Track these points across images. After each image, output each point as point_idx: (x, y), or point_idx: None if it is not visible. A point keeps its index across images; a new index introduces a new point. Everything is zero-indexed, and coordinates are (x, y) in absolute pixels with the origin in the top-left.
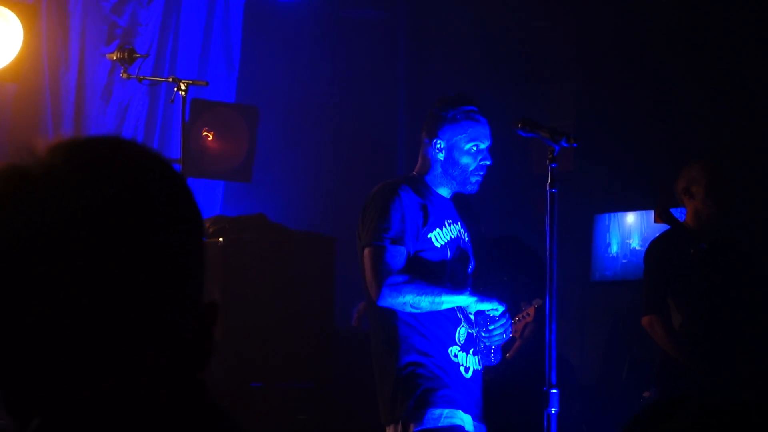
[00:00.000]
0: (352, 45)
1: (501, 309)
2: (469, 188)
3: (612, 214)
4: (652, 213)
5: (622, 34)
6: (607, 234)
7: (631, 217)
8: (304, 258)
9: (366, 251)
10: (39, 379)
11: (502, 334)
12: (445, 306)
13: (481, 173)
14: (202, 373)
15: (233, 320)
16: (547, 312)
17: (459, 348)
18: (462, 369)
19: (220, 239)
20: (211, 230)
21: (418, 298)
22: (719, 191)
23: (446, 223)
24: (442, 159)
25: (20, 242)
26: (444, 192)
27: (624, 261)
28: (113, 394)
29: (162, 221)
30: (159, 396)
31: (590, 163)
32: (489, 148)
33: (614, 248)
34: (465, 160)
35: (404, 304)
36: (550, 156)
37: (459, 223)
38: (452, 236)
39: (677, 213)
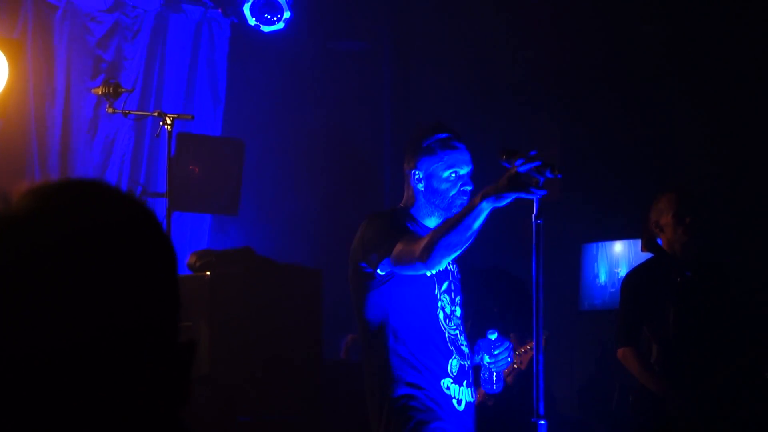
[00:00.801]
0: (338, 77)
1: (494, 335)
2: (454, 213)
3: (599, 243)
4: (639, 242)
5: (608, 64)
6: (595, 263)
7: (618, 246)
8: (291, 291)
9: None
10: (15, 407)
11: (506, 358)
12: (475, 221)
13: (464, 198)
14: (182, 409)
15: (220, 353)
16: (534, 342)
17: (452, 380)
18: (455, 401)
19: (207, 273)
20: (197, 264)
21: (453, 238)
22: (686, 219)
23: None
24: (422, 189)
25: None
26: (431, 223)
27: (612, 290)
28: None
29: (131, 260)
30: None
31: (577, 193)
32: (470, 174)
33: (602, 277)
34: (444, 187)
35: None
36: (536, 186)
37: None
38: (440, 268)
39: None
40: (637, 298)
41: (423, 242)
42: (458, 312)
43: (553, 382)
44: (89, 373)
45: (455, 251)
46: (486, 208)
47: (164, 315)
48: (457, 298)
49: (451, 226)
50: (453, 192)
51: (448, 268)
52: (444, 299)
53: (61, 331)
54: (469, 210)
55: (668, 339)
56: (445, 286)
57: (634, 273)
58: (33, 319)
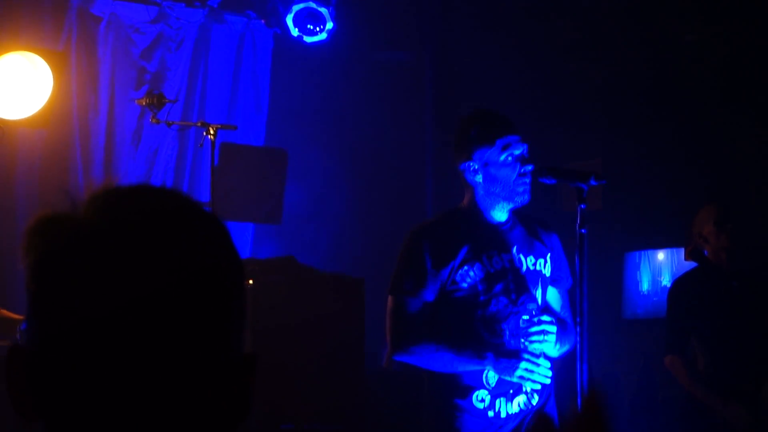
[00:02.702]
0: (380, 87)
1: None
2: (519, 200)
3: (642, 252)
4: (682, 251)
5: (650, 73)
6: (638, 272)
7: (661, 255)
8: (334, 299)
9: (388, 300)
10: (73, 406)
11: (540, 341)
12: (461, 370)
13: (527, 180)
14: (242, 422)
15: (263, 362)
16: (578, 351)
17: (487, 392)
18: (490, 413)
19: (250, 281)
20: None
21: (427, 363)
22: (727, 226)
23: (486, 256)
24: (481, 181)
25: (68, 291)
26: (498, 215)
27: (655, 299)
28: None
29: (202, 270)
30: None
31: (620, 201)
32: (526, 152)
33: (645, 286)
34: (504, 173)
35: (416, 364)
36: (579, 196)
37: (515, 249)
38: (492, 270)
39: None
40: (684, 307)
41: (410, 338)
42: (512, 317)
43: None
44: (151, 381)
45: (427, 369)
46: (486, 368)
47: (230, 326)
48: (518, 299)
49: (444, 356)
50: (513, 177)
51: (509, 266)
52: (488, 307)
53: (125, 339)
54: (472, 361)
55: (714, 349)
56: (496, 289)
57: (681, 281)
58: (128, 317)
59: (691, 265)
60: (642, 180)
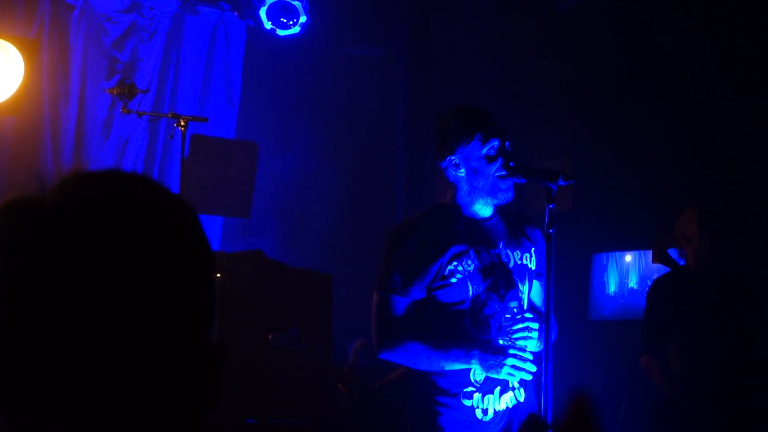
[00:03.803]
0: (353, 82)
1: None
2: (502, 196)
3: (610, 254)
4: (650, 253)
5: (622, 74)
6: (605, 273)
7: (629, 257)
8: (301, 294)
9: (374, 297)
10: (37, 391)
11: (524, 338)
12: (448, 368)
13: (508, 182)
14: (210, 411)
15: (229, 356)
16: (543, 352)
17: (475, 389)
18: (478, 412)
19: (218, 275)
20: None
21: (412, 362)
22: (712, 228)
23: (474, 251)
24: (463, 175)
25: (36, 272)
26: (481, 211)
27: (621, 300)
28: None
29: (171, 254)
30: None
31: (588, 203)
32: (509, 146)
33: (612, 288)
34: (485, 166)
35: (401, 363)
36: (548, 196)
37: (501, 244)
38: (480, 265)
39: (675, 254)
40: (659, 308)
41: (396, 336)
42: (500, 311)
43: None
44: (115, 366)
45: (412, 367)
46: (473, 366)
47: (196, 315)
48: (506, 294)
49: (431, 354)
50: (494, 170)
51: (497, 260)
52: (477, 302)
53: (88, 322)
54: (458, 359)
55: (689, 350)
56: (484, 285)
57: (658, 282)
58: (60, 312)
59: (658, 267)
60: (611, 181)
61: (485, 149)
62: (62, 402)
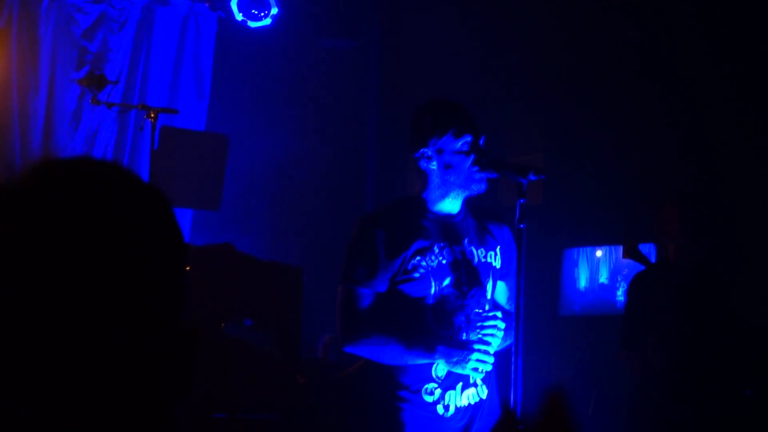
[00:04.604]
0: (324, 74)
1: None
2: (475, 188)
3: (581, 249)
4: (620, 248)
5: (592, 69)
6: (576, 269)
7: (599, 252)
8: (271, 288)
9: (339, 289)
10: (21, 380)
11: (492, 335)
12: (411, 362)
13: (483, 175)
14: (181, 401)
15: (197, 350)
16: (513, 348)
17: (436, 385)
18: (440, 407)
19: (186, 268)
20: None
21: (376, 356)
22: (693, 223)
23: (438, 247)
24: (435, 168)
25: (5, 260)
26: (448, 206)
27: (592, 296)
28: (81, 415)
29: (142, 240)
30: (126, 424)
31: (559, 198)
32: (483, 142)
33: (582, 283)
34: (458, 160)
35: (365, 356)
36: (519, 191)
37: (466, 241)
38: (444, 261)
39: (645, 249)
40: (640, 303)
41: (360, 329)
42: (464, 309)
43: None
44: (83, 357)
45: (376, 360)
46: (437, 361)
47: (166, 301)
48: (469, 292)
49: (394, 348)
50: (467, 164)
51: (461, 257)
52: (440, 298)
53: (55, 311)
54: (422, 354)
55: (666, 345)
56: (447, 281)
57: (638, 277)
58: (26, 297)
59: (628, 262)
60: (582, 176)
61: (459, 143)
62: (29, 390)
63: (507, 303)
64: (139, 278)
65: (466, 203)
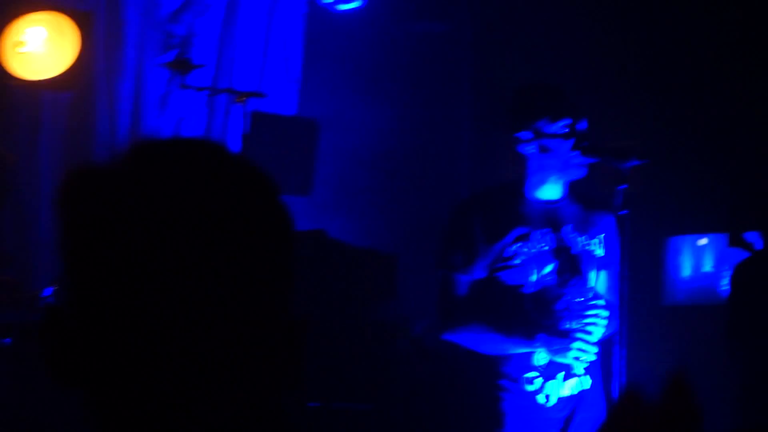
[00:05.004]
0: (417, 59)
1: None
2: (575, 173)
3: (685, 237)
4: (726, 236)
5: (696, 48)
6: (679, 257)
7: (704, 240)
8: (365, 276)
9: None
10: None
11: (594, 324)
12: (511, 351)
13: (584, 159)
14: (294, 391)
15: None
16: (617, 338)
17: (538, 374)
18: (541, 397)
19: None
20: None
21: (475, 344)
22: None
23: (539, 233)
24: (534, 152)
25: (109, 245)
26: (549, 192)
27: (696, 285)
28: (184, 410)
29: (251, 226)
30: (237, 419)
31: (662, 184)
32: (586, 126)
33: (686, 272)
34: (557, 143)
35: (464, 344)
36: (621, 177)
37: (568, 228)
38: (545, 248)
39: (751, 237)
40: (743, 293)
41: (458, 317)
42: (563, 300)
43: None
44: (197, 341)
45: (474, 349)
46: (537, 350)
47: (276, 286)
48: (568, 283)
49: (493, 337)
50: (567, 148)
51: (560, 245)
52: (540, 287)
53: (168, 294)
54: (522, 342)
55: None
56: (548, 269)
57: (741, 266)
58: (137, 287)
59: (733, 251)
60: (686, 161)
61: (558, 126)
62: (140, 382)
63: (608, 293)
64: (250, 266)
65: (569, 189)
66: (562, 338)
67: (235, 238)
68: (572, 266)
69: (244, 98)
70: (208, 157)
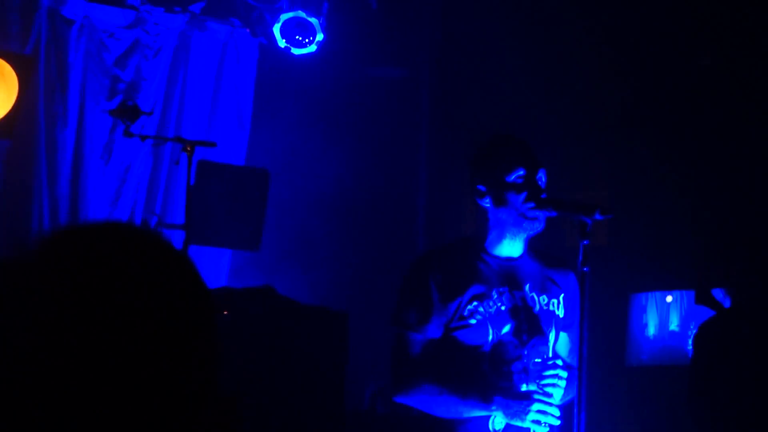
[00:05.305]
0: (373, 105)
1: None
2: (527, 227)
3: (649, 294)
4: (692, 293)
5: (662, 102)
6: (644, 315)
7: (669, 297)
8: (314, 334)
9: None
10: None
11: (553, 385)
12: (466, 415)
13: (538, 214)
14: None
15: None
16: (576, 400)
17: None
18: None
19: (225, 312)
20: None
21: (429, 407)
22: (763, 266)
23: (496, 292)
24: (489, 206)
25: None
26: (508, 249)
27: (662, 344)
28: None
29: (168, 309)
30: None
31: (626, 239)
32: (544, 179)
33: (652, 330)
34: (511, 194)
35: (417, 407)
36: (582, 231)
37: (527, 287)
38: (502, 307)
39: (719, 295)
40: (707, 355)
41: (412, 379)
42: (522, 361)
43: None
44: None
45: (428, 412)
46: (493, 413)
47: (203, 367)
48: (527, 343)
49: (448, 399)
50: (521, 201)
51: (521, 304)
52: (498, 348)
53: (97, 382)
54: (478, 405)
55: (735, 401)
56: (506, 329)
57: (705, 326)
58: (81, 367)
59: (700, 308)
60: (651, 216)
61: (511, 178)
62: None
63: (569, 356)
64: (172, 352)
65: (529, 246)
66: (519, 401)
67: (153, 326)
68: (531, 326)
69: (192, 147)
70: (123, 244)
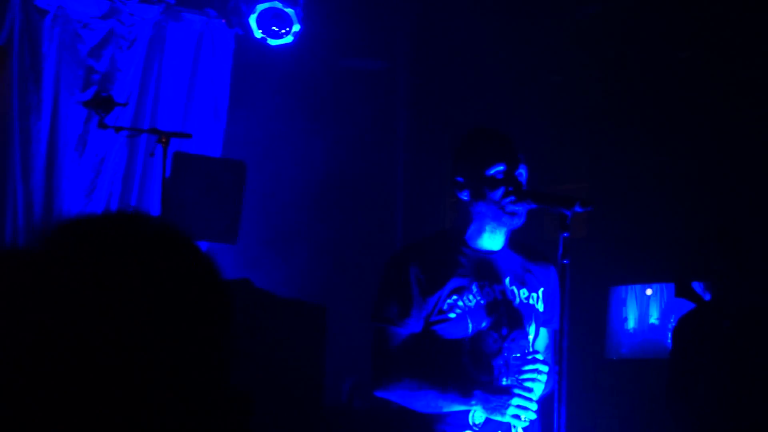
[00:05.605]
0: (350, 96)
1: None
2: (506, 221)
3: (629, 287)
4: (672, 286)
5: (641, 93)
6: (624, 308)
7: (649, 290)
8: (292, 328)
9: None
10: None
11: (533, 380)
12: (446, 410)
13: (518, 209)
14: None
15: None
16: (556, 393)
17: None
18: None
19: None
20: None
21: (409, 401)
22: (740, 260)
23: (476, 285)
24: (468, 199)
25: (25, 330)
26: (488, 242)
27: (642, 337)
28: None
29: (187, 304)
30: None
31: (606, 231)
32: (524, 175)
33: (631, 323)
34: (490, 188)
35: (397, 402)
36: (562, 224)
37: (507, 280)
38: (482, 301)
39: (700, 288)
40: (685, 349)
41: (391, 373)
42: (502, 355)
43: None
44: (141, 420)
45: (408, 407)
46: (473, 407)
47: (219, 362)
48: (509, 335)
49: (428, 394)
50: (500, 195)
51: (501, 297)
52: (477, 341)
53: (114, 376)
54: (458, 399)
55: (714, 395)
56: (485, 323)
57: (684, 319)
58: (98, 358)
59: (680, 302)
60: (631, 208)
61: (492, 171)
62: None
63: (548, 349)
64: (185, 341)
65: (510, 240)
66: (499, 395)
67: (163, 320)
68: (511, 320)
69: (167, 139)
70: (132, 233)
